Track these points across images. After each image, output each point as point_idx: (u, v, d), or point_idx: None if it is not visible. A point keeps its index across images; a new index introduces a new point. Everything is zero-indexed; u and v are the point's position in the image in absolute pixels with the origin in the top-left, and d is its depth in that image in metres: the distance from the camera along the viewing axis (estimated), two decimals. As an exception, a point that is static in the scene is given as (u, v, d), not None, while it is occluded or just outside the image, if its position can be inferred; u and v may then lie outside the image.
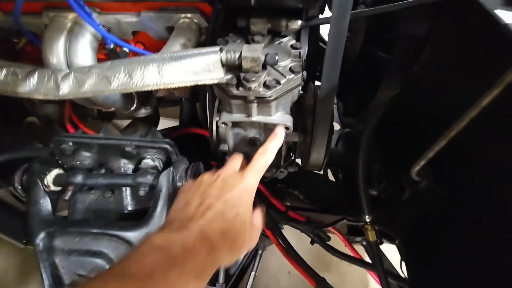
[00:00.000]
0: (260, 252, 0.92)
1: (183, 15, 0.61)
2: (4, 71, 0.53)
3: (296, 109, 0.60)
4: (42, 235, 0.60)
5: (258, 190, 0.74)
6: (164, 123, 0.99)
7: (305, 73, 0.53)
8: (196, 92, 0.78)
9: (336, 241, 0.82)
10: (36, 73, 0.53)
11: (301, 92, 0.58)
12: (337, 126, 1.23)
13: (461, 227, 0.35)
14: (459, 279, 0.34)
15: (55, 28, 0.61)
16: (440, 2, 0.43)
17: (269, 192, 0.73)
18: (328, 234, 0.78)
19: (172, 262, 0.32)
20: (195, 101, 0.87)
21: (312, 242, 0.74)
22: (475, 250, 0.33)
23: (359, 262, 0.72)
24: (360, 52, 0.85)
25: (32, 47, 0.68)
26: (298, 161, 0.72)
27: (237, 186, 0.42)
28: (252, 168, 0.46)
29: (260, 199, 0.72)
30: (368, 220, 0.56)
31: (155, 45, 0.68)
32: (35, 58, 0.66)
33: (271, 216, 0.69)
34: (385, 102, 0.59)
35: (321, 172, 1.00)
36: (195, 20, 0.61)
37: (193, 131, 0.80)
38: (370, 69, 0.80)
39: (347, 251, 0.80)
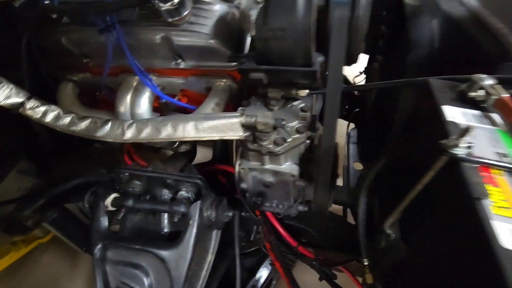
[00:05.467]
0: (274, 282, 0.99)
1: (218, 79, 0.78)
2: (88, 121, 0.73)
3: (307, 158, 0.71)
4: (99, 246, 0.77)
5: (271, 224, 0.84)
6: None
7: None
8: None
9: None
10: (110, 123, 0.72)
11: (308, 142, 0.68)
12: (359, 166, 1.29)
13: (415, 277, 0.41)
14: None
15: (125, 86, 0.82)
16: (422, 85, 0.52)
17: (282, 227, 0.82)
18: (339, 270, 0.83)
19: None
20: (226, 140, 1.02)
21: (320, 279, 0.79)
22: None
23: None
24: (374, 104, 0.94)
25: (108, 97, 0.90)
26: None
27: None
28: None
29: (273, 233, 0.81)
30: (366, 263, 0.62)
31: (196, 98, 0.85)
32: (109, 105, 0.88)
33: (280, 249, 0.78)
34: (384, 158, 0.67)
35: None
36: (227, 84, 0.77)
37: (221, 167, 0.94)
38: (381, 122, 0.88)
39: None
